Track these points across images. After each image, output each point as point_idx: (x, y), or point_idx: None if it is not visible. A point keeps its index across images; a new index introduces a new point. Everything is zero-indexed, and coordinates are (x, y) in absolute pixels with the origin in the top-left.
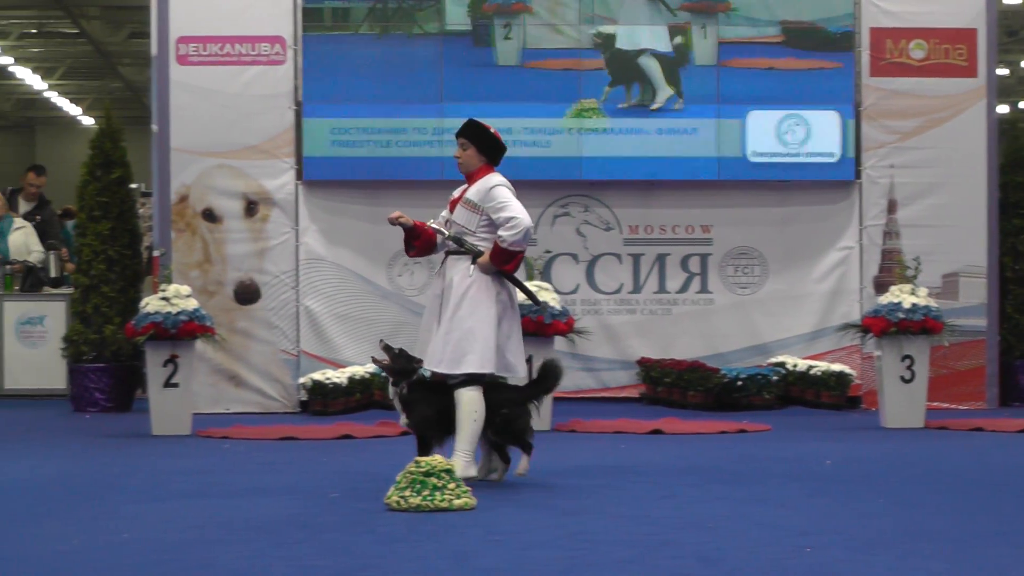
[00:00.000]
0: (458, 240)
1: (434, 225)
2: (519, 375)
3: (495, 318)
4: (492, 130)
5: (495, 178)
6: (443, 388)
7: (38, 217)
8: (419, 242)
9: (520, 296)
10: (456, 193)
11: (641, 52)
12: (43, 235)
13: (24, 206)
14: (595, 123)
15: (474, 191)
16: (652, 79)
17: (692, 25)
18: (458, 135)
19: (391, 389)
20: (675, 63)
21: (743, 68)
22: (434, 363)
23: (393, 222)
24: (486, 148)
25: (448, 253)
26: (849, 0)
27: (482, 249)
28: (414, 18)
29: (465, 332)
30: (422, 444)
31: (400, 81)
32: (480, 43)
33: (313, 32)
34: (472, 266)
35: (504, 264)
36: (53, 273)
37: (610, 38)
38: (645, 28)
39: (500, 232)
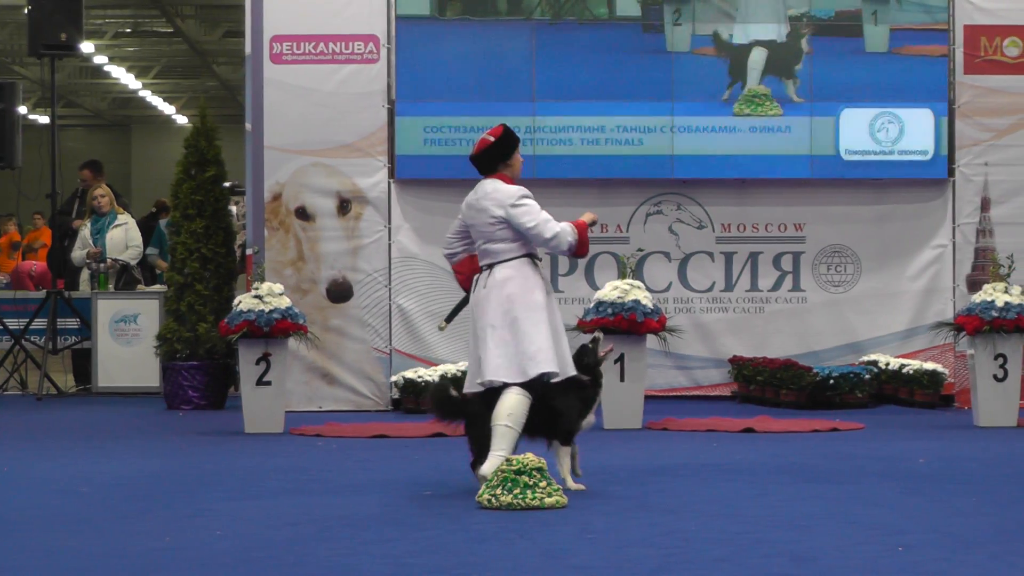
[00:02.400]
0: None
1: None
2: None
3: None
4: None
5: None
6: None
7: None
8: None
9: None
10: None
11: (753, 45)
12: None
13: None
14: (768, 112)
15: None
16: (751, 71)
17: (863, 11)
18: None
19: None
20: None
21: (914, 56)
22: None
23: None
24: None
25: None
26: None
27: None
28: (586, 3)
29: None
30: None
31: (493, 79)
32: (649, 30)
33: (411, 20)
34: None
35: None
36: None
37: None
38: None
39: None
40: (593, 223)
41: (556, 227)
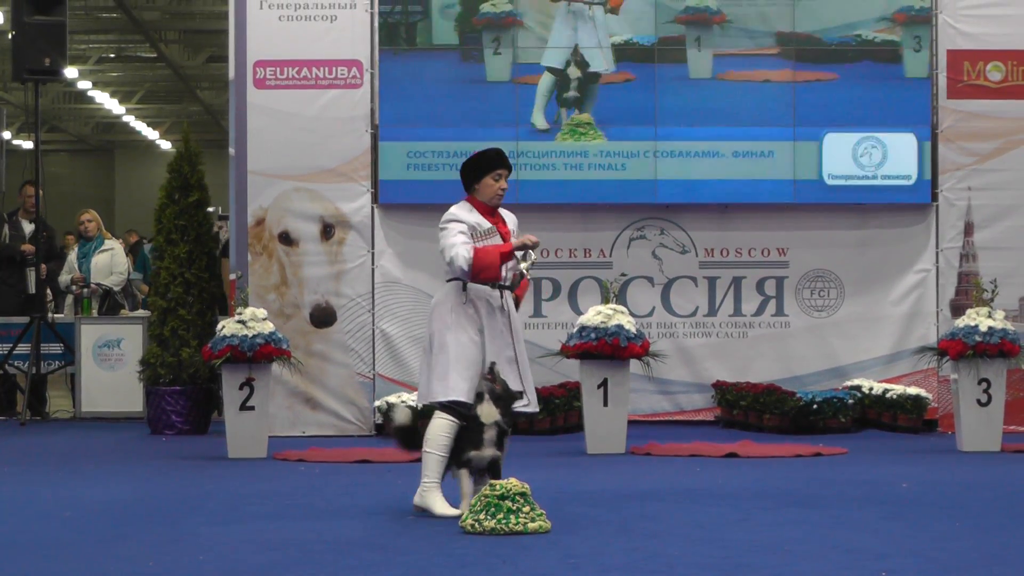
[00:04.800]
0: (521, 274)
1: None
2: None
3: None
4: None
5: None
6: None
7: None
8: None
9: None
10: (483, 224)
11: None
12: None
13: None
14: (593, 138)
15: (512, 222)
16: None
17: (686, 37)
18: (506, 167)
19: (491, 410)
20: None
21: (739, 81)
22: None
23: (532, 246)
24: None
25: (504, 287)
26: (844, 10)
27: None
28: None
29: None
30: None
31: (475, 104)
32: (468, 59)
33: (388, 48)
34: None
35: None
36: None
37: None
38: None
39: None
40: (525, 247)
41: (453, 251)
